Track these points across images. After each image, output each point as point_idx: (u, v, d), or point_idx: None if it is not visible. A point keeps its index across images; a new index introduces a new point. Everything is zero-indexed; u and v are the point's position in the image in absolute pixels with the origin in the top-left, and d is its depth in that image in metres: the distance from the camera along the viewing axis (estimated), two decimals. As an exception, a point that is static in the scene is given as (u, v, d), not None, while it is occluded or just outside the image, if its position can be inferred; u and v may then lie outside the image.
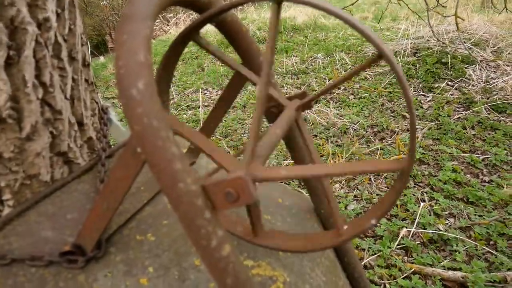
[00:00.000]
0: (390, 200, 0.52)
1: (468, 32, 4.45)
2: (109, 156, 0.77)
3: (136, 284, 0.55)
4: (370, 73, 4.16)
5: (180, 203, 0.39)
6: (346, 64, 4.49)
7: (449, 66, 3.78)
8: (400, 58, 4.14)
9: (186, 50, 6.10)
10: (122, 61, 0.39)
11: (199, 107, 4.08)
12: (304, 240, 0.58)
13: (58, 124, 0.67)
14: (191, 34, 0.55)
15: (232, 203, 0.40)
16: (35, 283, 0.55)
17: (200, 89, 4.59)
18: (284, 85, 4.29)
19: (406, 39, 4.46)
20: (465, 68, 3.75)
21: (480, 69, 3.71)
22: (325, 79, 4.24)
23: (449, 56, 3.85)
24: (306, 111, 3.46)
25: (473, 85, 3.54)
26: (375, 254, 2.04)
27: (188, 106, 4.22)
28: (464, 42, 3.80)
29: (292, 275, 0.62)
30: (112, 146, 0.87)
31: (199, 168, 0.84)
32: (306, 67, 4.66)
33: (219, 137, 3.46)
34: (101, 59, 7.51)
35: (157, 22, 8.63)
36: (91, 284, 0.55)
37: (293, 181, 2.73)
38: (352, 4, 4.13)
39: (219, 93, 4.51)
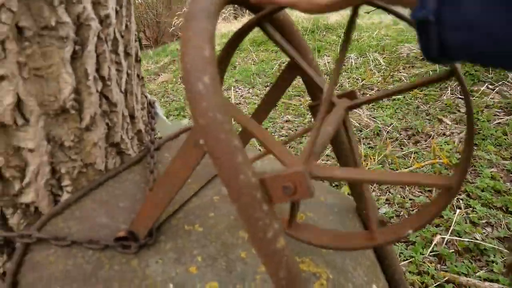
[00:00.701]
0: (431, 213, 0.52)
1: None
2: (157, 148, 0.80)
3: (186, 272, 0.57)
4: (405, 74, 4.07)
5: (240, 195, 0.40)
6: (379, 65, 4.41)
7: (490, 69, 3.64)
8: (437, 60, 4.02)
9: (218, 48, 6.17)
10: (188, 57, 0.41)
11: (230, 105, 4.12)
12: (335, 237, 0.58)
13: (113, 116, 0.71)
14: (249, 30, 0.57)
15: (289, 197, 0.41)
16: (93, 265, 0.58)
17: (232, 87, 4.63)
18: (316, 85, 4.26)
19: (445, 40, 4.32)
20: (507, 71, 3.60)
21: (523, 73, 3.55)
22: (357, 79, 4.19)
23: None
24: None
25: (515, 90, 3.39)
26: (407, 260, 2.00)
27: (220, 103, 4.27)
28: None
29: (334, 273, 0.63)
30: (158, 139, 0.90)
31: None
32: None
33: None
34: (136, 55, 7.72)
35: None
36: (144, 269, 0.58)
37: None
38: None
39: (250, 91, 4.54)
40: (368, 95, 3.84)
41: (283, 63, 5.04)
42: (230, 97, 4.33)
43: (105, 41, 0.65)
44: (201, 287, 0.54)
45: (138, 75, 0.82)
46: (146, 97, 0.85)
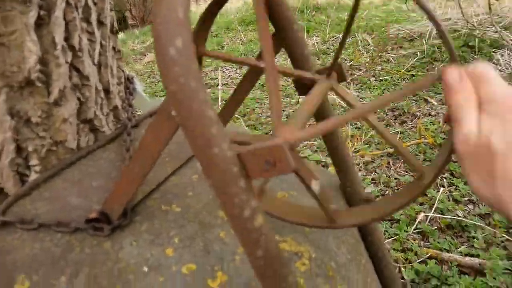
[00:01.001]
0: (398, 203, 0.50)
1: (498, 15, 4.27)
2: (135, 126, 0.76)
3: (162, 253, 0.55)
4: (393, 55, 4.05)
5: (214, 169, 0.38)
6: (368, 45, 4.37)
7: (476, 50, 3.64)
8: (425, 40, 4.01)
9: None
10: (160, 18, 0.37)
11: (218, 86, 4.06)
12: (300, 213, 0.57)
13: (85, 90, 0.66)
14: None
15: (268, 172, 0.38)
16: (62, 248, 0.55)
17: (220, 68, 4.56)
18: (304, 65, 4.22)
19: (433, 20, 4.30)
20: (493, 52, 3.61)
21: (509, 54, 3.57)
22: (346, 59, 4.15)
23: (476, 39, 3.70)
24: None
25: (500, 70, 3.41)
26: (392, 237, 2.02)
27: (207, 84, 4.20)
28: (494, 25, 3.64)
29: (318, 251, 0.61)
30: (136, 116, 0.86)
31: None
32: (328, 48, 4.56)
33: (237, 115, 3.45)
34: (121, 35, 7.51)
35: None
36: (117, 252, 0.55)
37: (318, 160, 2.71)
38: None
39: (238, 71, 4.47)
40: (356, 75, 3.82)
41: (270, 42, 4.95)
42: (217, 78, 4.26)
43: (75, 7, 0.60)
44: (177, 269, 0.52)
45: (114, 48, 0.77)
46: (123, 71, 0.81)
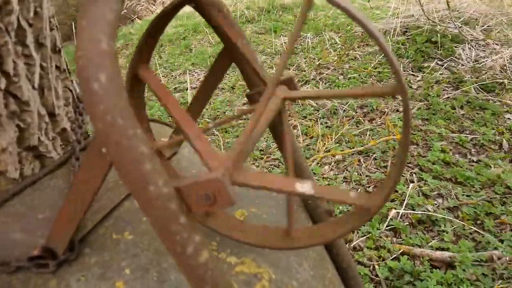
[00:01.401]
0: (353, 223, 0.49)
1: (458, 11, 4.40)
2: (84, 148, 0.73)
3: None
4: (359, 53, 4.11)
5: (151, 208, 0.35)
6: (335, 43, 4.42)
7: (439, 45, 3.75)
8: (390, 37, 4.08)
9: (173, 30, 5.95)
10: (82, 51, 0.35)
11: (187, 89, 4.00)
12: (255, 233, 0.55)
13: (26, 117, 0.62)
14: (167, 18, 0.51)
15: (208, 206, 0.36)
16: (3, 290, 0.51)
17: (188, 71, 4.50)
18: (273, 65, 4.22)
19: (396, 17, 4.39)
20: (455, 47, 3.72)
21: (470, 48, 3.69)
22: (314, 59, 4.18)
23: (438, 35, 3.81)
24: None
25: (462, 65, 3.52)
26: (365, 235, 2.04)
27: (175, 88, 4.14)
28: (454, 20, 3.75)
29: (278, 272, 0.60)
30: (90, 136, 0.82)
31: (181, 159, 0.80)
32: (295, 47, 4.58)
33: (208, 119, 3.41)
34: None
35: (143, 2, 8.39)
36: (64, 288, 0.52)
37: (280, 167, 2.72)
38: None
39: (207, 74, 4.42)
40: (324, 74, 3.86)
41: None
42: (186, 81, 4.20)
43: (6, 31, 0.56)
44: (128, 304, 0.50)
45: (58, 67, 0.73)
46: (71, 91, 0.77)
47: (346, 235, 0.47)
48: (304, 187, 0.42)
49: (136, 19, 8.33)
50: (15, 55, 0.59)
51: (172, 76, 4.49)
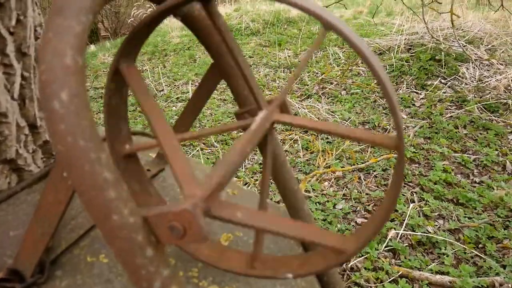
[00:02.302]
0: (316, 265, 0.46)
1: (462, 29, 4.40)
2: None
3: (82, 315, 0.48)
4: (363, 68, 4.10)
5: (115, 239, 0.32)
6: (339, 58, 4.42)
7: (443, 64, 3.73)
8: (394, 54, 4.08)
9: (178, 40, 5.98)
10: (45, 65, 0.32)
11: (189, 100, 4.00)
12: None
13: (3, 128, 0.59)
14: (145, 31, 0.48)
15: (178, 239, 0.33)
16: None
17: (191, 81, 4.50)
18: (276, 79, 4.21)
19: (400, 34, 4.40)
20: (459, 66, 3.71)
21: (474, 67, 3.67)
22: (317, 73, 4.17)
23: (443, 53, 3.80)
24: (297, 106, 3.37)
25: (466, 84, 3.49)
26: (362, 256, 1.99)
27: (178, 98, 4.13)
28: (458, 39, 3.74)
29: (262, 302, 0.56)
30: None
31: (169, 176, 0.77)
32: (299, 61, 4.58)
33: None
34: (92, 47, 7.35)
35: (149, 11, 8.47)
36: (30, 315, 0.48)
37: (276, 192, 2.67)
38: (347, -2, 4.05)
39: (209, 85, 4.41)
40: (327, 88, 3.84)
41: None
42: (189, 92, 4.19)
43: (-17, 39, 0.54)
44: (96, 336, 0.46)
45: (43, 77, 0.70)
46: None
47: (314, 274, 0.43)
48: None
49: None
50: (-7, 64, 0.56)
51: (175, 85, 4.49)
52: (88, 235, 0.59)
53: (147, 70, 5.13)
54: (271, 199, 2.42)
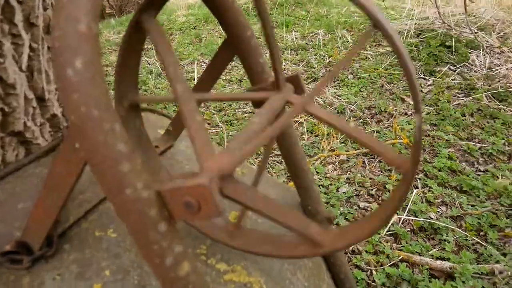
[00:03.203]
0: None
1: (474, 16, 4.31)
2: (75, 136, 0.69)
3: (89, 289, 0.48)
4: (371, 52, 4.04)
5: (127, 213, 0.31)
6: (347, 42, 4.35)
7: (453, 50, 3.67)
8: (403, 39, 4.01)
9: (183, 19, 5.89)
10: (59, 32, 0.30)
11: (194, 80, 3.96)
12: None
13: (11, 100, 0.58)
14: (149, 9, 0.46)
15: (192, 215, 0.32)
16: (-27, 285, 0.48)
17: (196, 61, 4.45)
18: (283, 60, 4.16)
19: (411, 19, 4.31)
20: (469, 53, 3.64)
21: (484, 55, 3.60)
22: (324, 56, 4.12)
23: (453, 39, 3.72)
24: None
25: (475, 71, 3.44)
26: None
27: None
28: (470, 25, 3.67)
29: (270, 281, 0.56)
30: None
31: (177, 153, 0.76)
32: (306, 43, 4.51)
33: (213, 111, 3.37)
34: (96, 24, 7.26)
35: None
36: None
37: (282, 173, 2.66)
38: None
39: (214, 66, 4.37)
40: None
41: (249, 37, 4.86)
42: (194, 71, 4.15)
43: (-9, 7, 0.52)
44: (104, 309, 0.46)
45: (50, 48, 0.69)
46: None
47: (288, 258, 0.44)
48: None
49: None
50: (1, 33, 0.55)
51: (181, 65, 4.44)
52: (96, 210, 0.59)
53: (151, 49, 5.08)
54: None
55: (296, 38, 4.67)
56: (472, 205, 2.14)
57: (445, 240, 1.95)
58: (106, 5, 12.81)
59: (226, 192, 0.36)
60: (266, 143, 0.40)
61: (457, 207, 2.14)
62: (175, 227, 0.34)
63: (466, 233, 1.95)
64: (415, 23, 4.18)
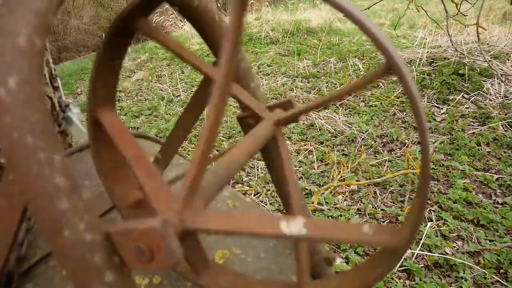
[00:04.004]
0: (375, 274, 0.39)
1: (488, 44, 4.27)
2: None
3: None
4: (383, 81, 4.01)
5: (66, 259, 0.27)
6: (359, 70, 4.33)
7: (466, 78, 3.61)
8: (415, 67, 3.97)
9: (197, 47, 6.00)
10: (-5, 45, 0.27)
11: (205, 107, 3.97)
12: None
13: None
14: (133, 20, 0.42)
15: (145, 263, 0.27)
16: None
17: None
18: (294, 88, 4.16)
19: (423, 47, 4.29)
20: (483, 81, 3.57)
21: (499, 83, 3.53)
22: (336, 84, 4.10)
23: (466, 67, 3.67)
24: (313, 116, 3.30)
25: (490, 100, 3.36)
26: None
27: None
28: (483, 53, 3.61)
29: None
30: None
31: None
32: (318, 71, 4.52)
33: (222, 138, 3.34)
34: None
35: (170, 17, 8.56)
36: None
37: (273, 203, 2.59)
38: (368, 9, 3.98)
39: (225, 92, 4.39)
40: (345, 100, 3.76)
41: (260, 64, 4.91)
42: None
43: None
44: None
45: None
46: (50, 98, 0.70)
47: (377, 281, 0.37)
48: (292, 226, 0.32)
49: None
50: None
51: (192, 91, 4.48)
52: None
53: (165, 75, 5.15)
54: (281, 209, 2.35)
55: (308, 66, 4.68)
56: (491, 240, 2.02)
57: (462, 278, 1.83)
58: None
59: (194, 226, 0.31)
60: (236, 168, 0.35)
61: (474, 242, 2.02)
62: (127, 276, 0.28)
63: (484, 271, 1.83)
64: (427, 51, 4.16)
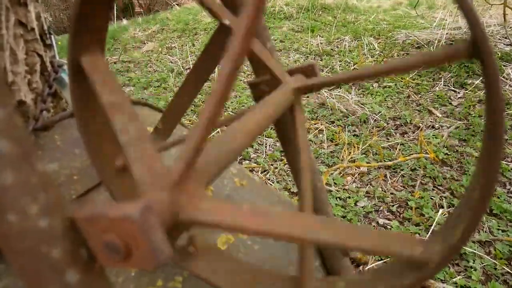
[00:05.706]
0: None
1: (511, 27, 4.07)
2: (43, 128, 0.57)
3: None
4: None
5: (14, 251, 0.19)
6: (374, 49, 4.18)
7: (487, 62, 3.45)
8: (433, 48, 3.81)
9: (209, 20, 5.85)
10: None
11: (214, 79, 3.88)
12: (253, 279, 0.38)
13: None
14: None
15: (117, 262, 0.20)
16: None
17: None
18: (305, 65, 4.03)
19: (442, 29, 4.11)
20: (504, 66, 3.42)
21: (521, 69, 3.37)
22: (350, 63, 3.96)
23: (488, 50, 3.50)
24: (325, 95, 3.20)
25: (510, 85, 3.22)
26: (381, 260, 1.85)
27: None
28: (507, 36, 3.44)
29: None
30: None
31: (167, 159, 0.64)
32: (332, 49, 4.37)
33: (230, 112, 3.26)
34: (124, 21, 7.32)
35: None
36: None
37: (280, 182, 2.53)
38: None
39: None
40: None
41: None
42: (215, 71, 4.07)
43: None
44: None
45: (23, 24, 0.58)
46: (41, 56, 0.62)
47: None
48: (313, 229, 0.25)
49: (175, 5, 8.36)
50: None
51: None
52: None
53: (175, 48, 5.04)
54: (289, 189, 2.29)
55: (321, 43, 4.53)
56: (503, 230, 1.95)
57: (471, 267, 1.77)
58: (136, 4, 12.97)
59: (186, 215, 0.24)
60: (246, 142, 0.28)
61: (486, 232, 1.95)
62: (98, 276, 0.21)
63: (495, 261, 1.77)
64: (447, 33, 3.98)
